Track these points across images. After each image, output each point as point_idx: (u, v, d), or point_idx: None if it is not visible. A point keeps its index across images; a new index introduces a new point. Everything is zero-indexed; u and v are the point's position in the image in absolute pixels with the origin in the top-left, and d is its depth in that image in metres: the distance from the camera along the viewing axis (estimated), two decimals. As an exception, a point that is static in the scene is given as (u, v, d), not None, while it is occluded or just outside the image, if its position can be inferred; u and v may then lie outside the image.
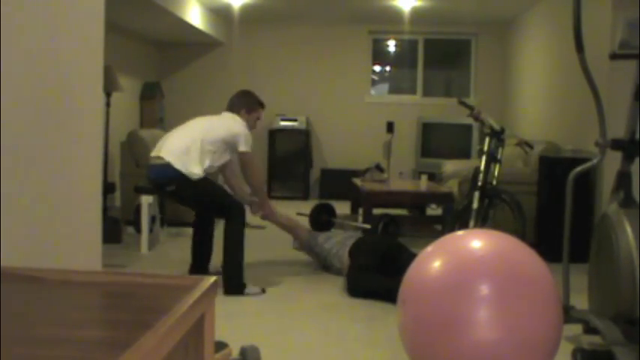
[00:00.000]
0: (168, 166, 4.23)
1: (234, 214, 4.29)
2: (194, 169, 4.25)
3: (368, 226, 6.12)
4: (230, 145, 4.43)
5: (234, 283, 4.20)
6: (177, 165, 4.23)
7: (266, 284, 4.40)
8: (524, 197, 5.22)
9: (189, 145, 4.28)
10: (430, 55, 9.88)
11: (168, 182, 4.30)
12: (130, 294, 1.33)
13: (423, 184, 6.63)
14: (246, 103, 4.62)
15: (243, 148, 4.41)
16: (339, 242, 4.80)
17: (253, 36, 9.76)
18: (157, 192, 5.04)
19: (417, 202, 6.73)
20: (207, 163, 4.32)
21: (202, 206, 4.55)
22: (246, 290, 4.21)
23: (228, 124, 4.48)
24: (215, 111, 4.75)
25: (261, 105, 4.72)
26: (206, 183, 4.33)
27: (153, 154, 4.42)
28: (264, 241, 5.89)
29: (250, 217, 7.11)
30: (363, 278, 4.25)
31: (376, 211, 6.58)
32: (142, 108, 9.10)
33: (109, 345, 1.02)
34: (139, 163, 6.65)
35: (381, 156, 9.46)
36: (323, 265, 4.89)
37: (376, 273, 4.29)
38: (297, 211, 7.35)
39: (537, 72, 7.83)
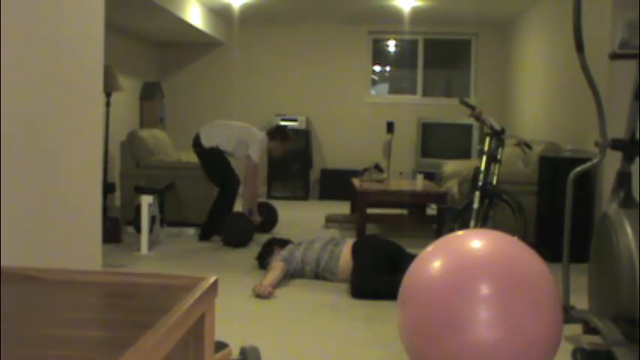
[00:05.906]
0: None
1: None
2: None
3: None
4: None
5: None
6: None
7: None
8: (524, 197, 5.22)
9: None
10: (430, 55, 9.88)
11: None
12: (130, 294, 1.33)
13: (420, 183, 6.61)
14: None
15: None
16: (318, 250, 4.61)
17: (253, 36, 9.76)
18: None
19: (412, 201, 6.71)
20: None
21: None
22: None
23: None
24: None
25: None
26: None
27: None
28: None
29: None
30: (372, 278, 4.22)
31: (375, 211, 6.58)
32: (142, 108, 9.10)
33: (109, 345, 1.02)
34: (139, 163, 6.65)
35: (381, 156, 9.47)
36: (315, 276, 4.67)
37: (381, 273, 4.27)
38: (297, 211, 7.35)
39: (537, 72, 7.83)
